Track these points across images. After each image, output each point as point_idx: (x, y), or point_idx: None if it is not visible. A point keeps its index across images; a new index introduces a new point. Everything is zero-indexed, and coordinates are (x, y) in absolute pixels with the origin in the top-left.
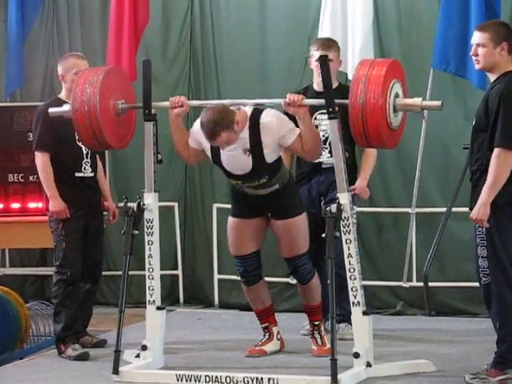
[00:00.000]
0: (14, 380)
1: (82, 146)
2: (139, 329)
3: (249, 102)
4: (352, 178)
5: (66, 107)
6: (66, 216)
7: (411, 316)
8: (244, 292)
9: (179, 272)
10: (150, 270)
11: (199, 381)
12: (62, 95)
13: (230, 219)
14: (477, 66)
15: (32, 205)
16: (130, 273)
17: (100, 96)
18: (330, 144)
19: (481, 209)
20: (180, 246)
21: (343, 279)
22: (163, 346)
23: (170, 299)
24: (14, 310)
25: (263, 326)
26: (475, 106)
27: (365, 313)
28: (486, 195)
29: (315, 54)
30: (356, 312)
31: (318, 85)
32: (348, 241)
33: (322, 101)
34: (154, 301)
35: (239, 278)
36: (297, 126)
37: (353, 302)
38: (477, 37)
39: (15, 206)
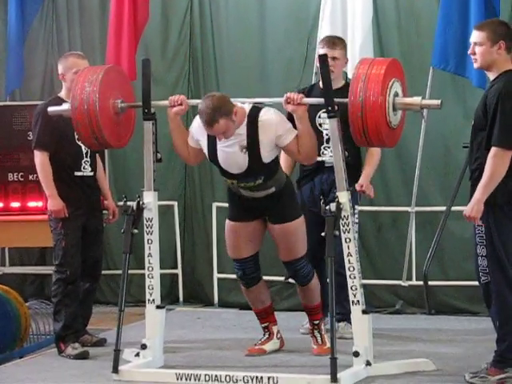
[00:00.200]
0: (14, 379)
1: (82, 145)
2: (139, 328)
3: (249, 101)
4: (356, 177)
5: (65, 106)
6: (64, 215)
7: (411, 315)
8: (243, 292)
9: (179, 271)
10: (150, 268)
11: (199, 380)
12: (62, 94)
13: (228, 222)
14: (475, 65)
15: (32, 204)
16: (130, 272)
17: (99, 95)
18: None
19: (474, 206)
20: (180, 244)
21: (343, 278)
22: (163, 344)
23: (169, 298)
24: (14, 309)
25: (263, 325)
26: (475, 104)
27: (364, 312)
28: (480, 193)
29: (321, 51)
30: (356, 311)
31: None
32: (347, 240)
33: (321, 99)
34: (153, 300)
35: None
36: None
37: (352, 301)
38: (474, 35)
39: (15, 205)
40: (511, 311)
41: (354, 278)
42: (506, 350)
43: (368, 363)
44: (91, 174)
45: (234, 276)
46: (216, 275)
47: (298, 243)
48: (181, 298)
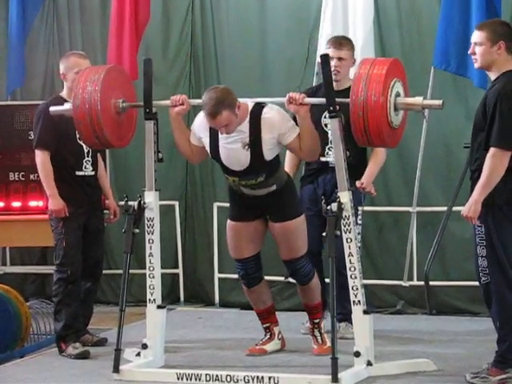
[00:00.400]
0: (15, 379)
1: (83, 145)
2: (140, 327)
3: (251, 101)
4: (359, 177)
5: (66, 106)
6: (65, 215)
7: (412, 315)
8: (245, 292)
9: (180, 271)
10: (151, 268)
11: (200, 379)
12: (64, 93)
13: (229, 222)
14: (475, 65)
15: (33, 203)
16: (131, 271)
17: (101, 94)
18: None
19: (471, 207)
20: (181, 244)
21: (345, 278)
22: (164, 344)
23: (170, 298)
24: (15, 309)
25: (264, 325)
26: (476, 105)
27: (365, 312)
28: (478, 194)
29: (327, 52)
30: (357, 311)
31: None
32: (349, 240)
33: (323, 99)
34: (154, 299)
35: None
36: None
37: (353, 301)
38: (475, 36)
39: (16, 204)
40: (511, 311)
41: (355, 278)
42: (506, 351)
43: (369, 363)
44: (92, 173)
45: (234, 276)
46: (217, 275)
47: (299, 242)
48: (182, 298)
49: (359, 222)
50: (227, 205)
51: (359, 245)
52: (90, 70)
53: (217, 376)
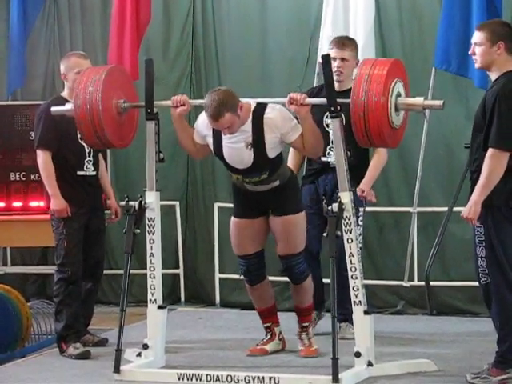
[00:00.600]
0: (16, 379)
1: (84, 145)
2: (140, 328)
3: (253, 101)
4: (361, 178)
5: (68, 106)
6: (67, 215)
7: (412, 315)
8: (247, 290)
9: (180, 271)
10: (152, 268)
11: (200, 380)
12: (65, 94)
13: (233, 219)
14: (475, 65)
15: (33, 203)
16: (132, 272)
17: (102, 95)
18: None
19: (471, 208)
20: (181, 244)
21: (345, 278)
22: (164, 344)
23: (171, 298)
24: (16, 309)
25: (265, 325)
26: (477, 105)
27: (366, 312)
28: (477, 194)
29: (330, 52)
30: (357, 311)
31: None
32: (349, 240)
33: (324, 100)
34: (155, 300)
35: (242, 277)
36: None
37: (354, 302)
38: (475, 36)
39: (17, 204)
40: (511, 312)
41: (356, 278)
42: (507, 351)
43: (369, 364)
44: (94, 173)
45: (235, 276)
46: (218, 275)
47: (297, 238)
48: (182, 298)
49: (360, 222)
50: (228, 205)
51: (360, 245)
52: (91, 70)
53: (217, 376)
